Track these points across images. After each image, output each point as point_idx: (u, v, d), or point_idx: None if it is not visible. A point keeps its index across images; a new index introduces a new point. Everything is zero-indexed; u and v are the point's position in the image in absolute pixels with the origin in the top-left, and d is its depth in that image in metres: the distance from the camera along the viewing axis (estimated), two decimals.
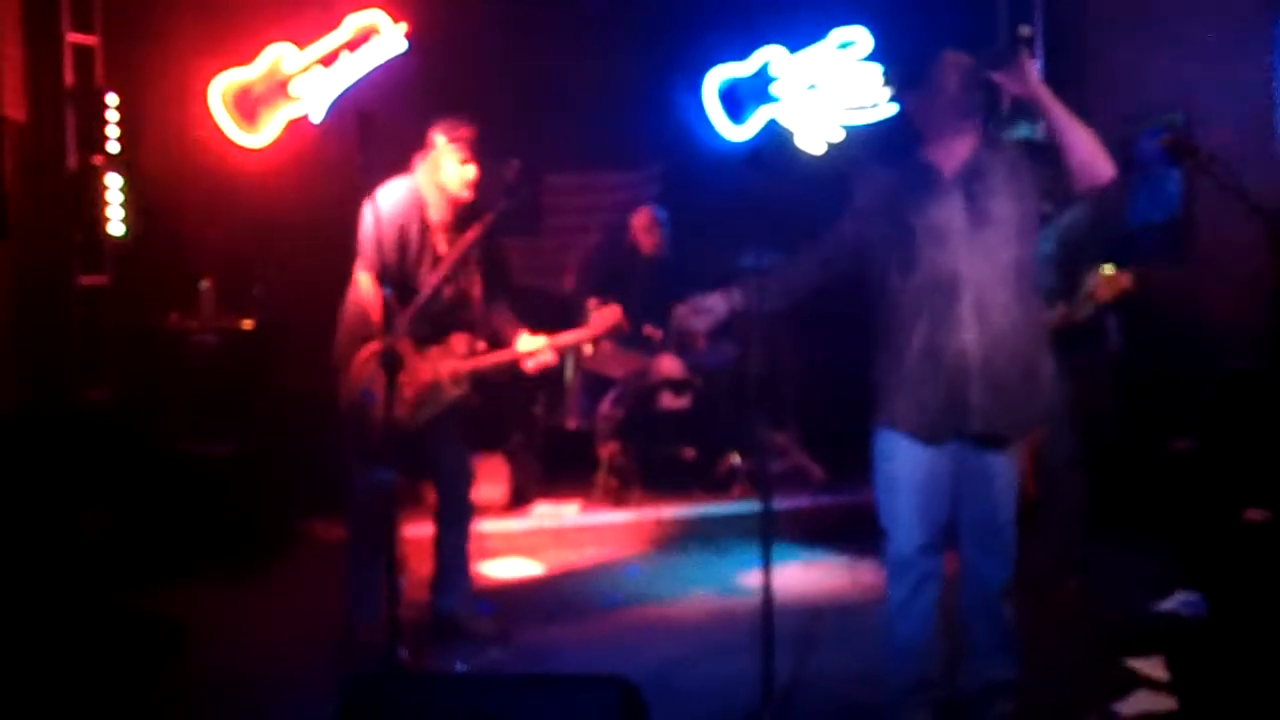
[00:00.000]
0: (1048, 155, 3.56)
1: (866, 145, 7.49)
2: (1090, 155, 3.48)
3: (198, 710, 4.42)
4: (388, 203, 4.56)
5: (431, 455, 4.83)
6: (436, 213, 4.69)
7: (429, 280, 4.61)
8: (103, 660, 4.61)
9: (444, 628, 4.88)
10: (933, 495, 3.71)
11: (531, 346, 4.81)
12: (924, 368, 3.61)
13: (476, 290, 4.77)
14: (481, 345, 4.80)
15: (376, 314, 4.49)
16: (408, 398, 4.58)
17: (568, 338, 4.92)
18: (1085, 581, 5.33)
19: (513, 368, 4.85)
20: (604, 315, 4.96)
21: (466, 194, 4.68)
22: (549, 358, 4.84)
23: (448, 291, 4.68)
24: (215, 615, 5.33)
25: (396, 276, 4.55)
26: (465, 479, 4.96)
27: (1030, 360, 3.62)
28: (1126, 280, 5.15)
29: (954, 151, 3.64)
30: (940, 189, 3.61)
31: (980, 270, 3.54)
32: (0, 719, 4.11)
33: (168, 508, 6.06)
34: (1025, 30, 3.56)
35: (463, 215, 4.71)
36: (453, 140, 4.62)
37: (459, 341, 4.71)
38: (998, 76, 3.53)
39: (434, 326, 4.66)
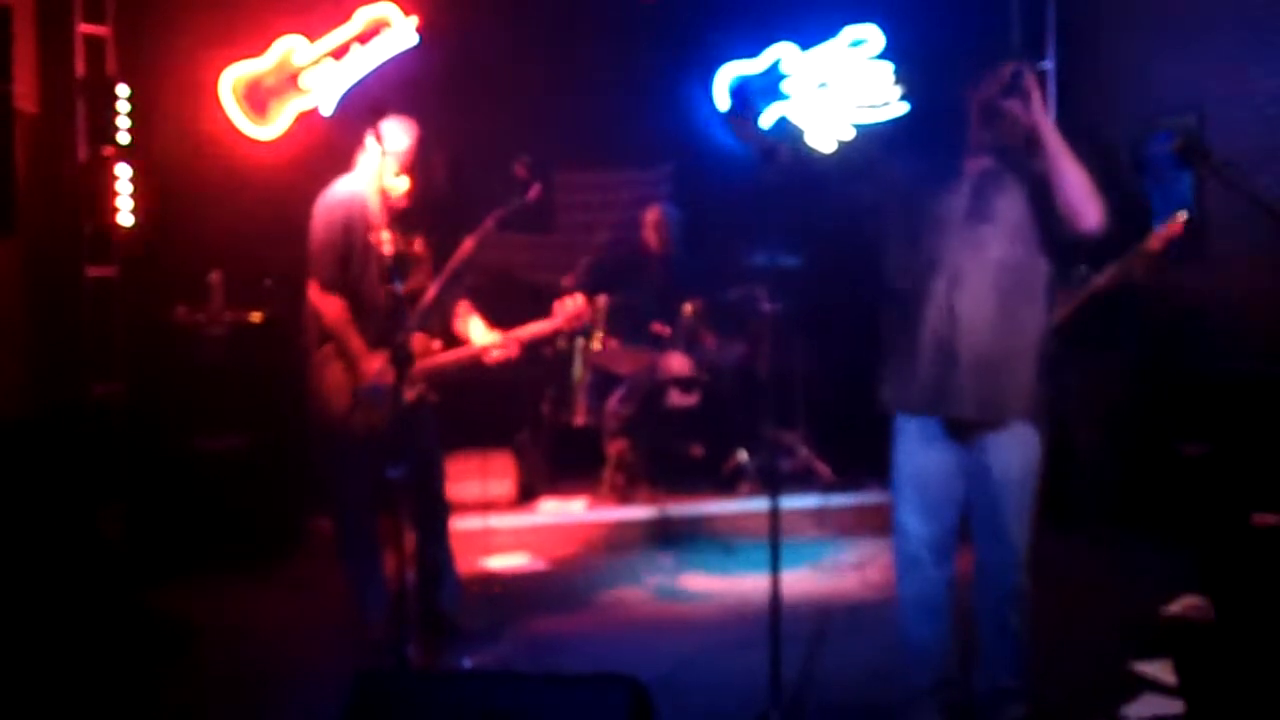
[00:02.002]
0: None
1: (877, 143, 7.48)
2: (1080, 200, 3.44)
3: (208, 705, 4.43)
4: (330, 207, 4.57)
5: (405, 458, 4.77)
6: (377, 213, 4.55)
7: (382, 286, 4.55)
8: (116, 655, 4.62)
9: (439, 626, 4.86)
10: (937, 492, 3.73)
11: (486, 341, 4.76)
12: (910, 344, 3.66)
13: (428, 289, 4.68)
14: (436, 344, 4.75)
15: (329, 318, 4.54)
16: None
17: (529, 330, 4.82)
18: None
19: (475, 363, 4.77)
20: (567, 306, 4.84)
21: (402, 203, 4.62)
22: (510, 350, 4.78)
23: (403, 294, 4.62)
24: (227, 609, 5.35)
25: (343, 280, 4.55)
26: (440, 478, 4.90)
27: (1011, 354, 3.61)
28: (1178, 223, 5.31)
29: (980, 156, 3.67)
30: (954, 181, 3.66)
31: (968, 261, 3.57)
32: (16, 714, 4.12)
33: (179, 502, 6.07)
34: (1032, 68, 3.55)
35: (401, 216, 4.62)
36: (392, 152, 4.50)
37: (413, 341, 4.66)
38: (1006, 103, 3.50)
39: (387, 327, 4.59)
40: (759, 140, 4.06)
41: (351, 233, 4.54)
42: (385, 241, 4.29)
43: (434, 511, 4.86)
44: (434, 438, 4.82)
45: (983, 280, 3.57)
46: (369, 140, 4.55)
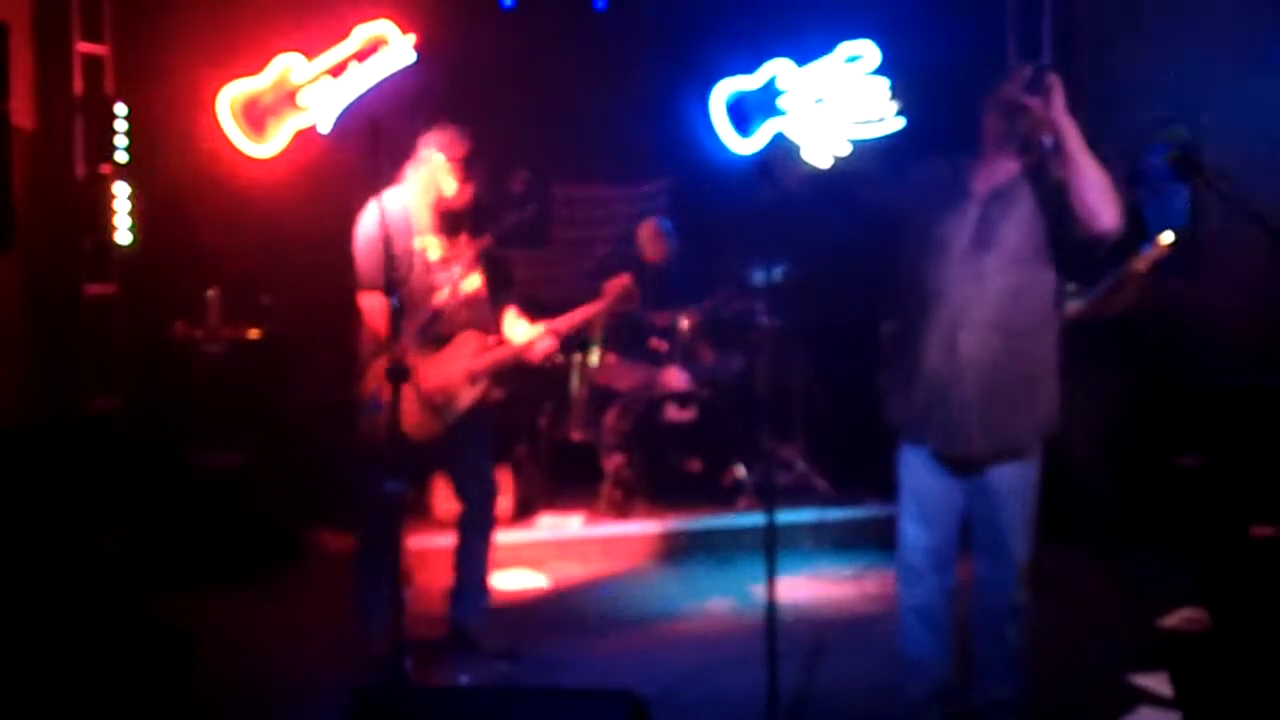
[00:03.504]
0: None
1: (872, 159, 7.50)
2: (1098, 200, 3.38)
3: (207, 717, 4.43)
4: (372, 220, 4.59)
5: (458, 464, 4.81)
6: (425, 221, 4.64)
7: (431, 290, 4.62)
8: (114, 668, 4.62)
9: (458, 640, 4.86)
10: (936, 502, 3.74)
11: (533, 333, 4.79)
12: (910, 371, 3.67)
13: (482, 290, 4.75)
14: (494, 340, 4.78)
15: (381, 328, 4.53)
16: (420, 407, 4.57)
17: (579, 314, 4.86)
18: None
19: (519, 361, 4.81)
20: (615, 284, 4.90)
21: (457, 205, 4.68)
22: (552, 345, 4.84)
23: (454, 296, 4.68)
24: (223, 624, 5.33)
25: (391, 289, 4.56)
26: (491, 490, 4.93)
27: (1019, 389, 3.59)
28: (1164, 245, 5.36)
29: (995, 170, 3.63)
30: (961, 204, 3.62)
31: (971, 294, 3.54)
32: None
33: (176, 517, 6.07)
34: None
35: (452, 220, 4.70)
36: (451, 160, 4.61)
37: (468, 340, 4.68)
38: (1027, 99, 3.45)
39: (441, 330, 4.66)
40: (795, 182, 4.09)
41: (393, 243, 4.56)
42: (431, 247, 4.36)
43: (480, 523, 4.88)
44: (489, 443, 4.87)
45: (986, 314, 3.53)
46: (421, 149, 4.65)
